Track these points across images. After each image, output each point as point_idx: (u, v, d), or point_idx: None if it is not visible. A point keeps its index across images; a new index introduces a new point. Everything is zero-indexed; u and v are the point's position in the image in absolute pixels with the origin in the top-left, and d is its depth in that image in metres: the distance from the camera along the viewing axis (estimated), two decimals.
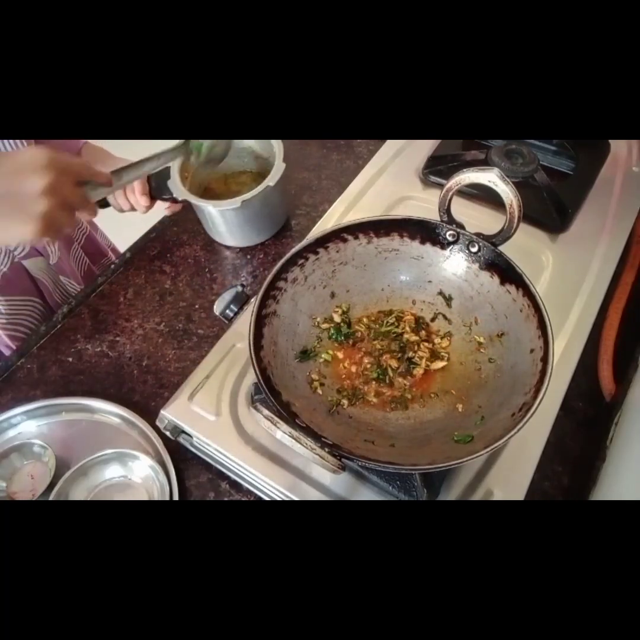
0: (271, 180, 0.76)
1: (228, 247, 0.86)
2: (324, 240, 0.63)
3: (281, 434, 0.45)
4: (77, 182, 0.51)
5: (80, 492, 0.62)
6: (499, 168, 0.58)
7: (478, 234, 0.61)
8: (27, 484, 0.63)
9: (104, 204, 0.81)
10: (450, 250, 0.63)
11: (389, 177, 0.87)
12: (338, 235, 0.63)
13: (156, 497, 0.61)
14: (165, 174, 0.78)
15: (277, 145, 0.79)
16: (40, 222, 0.47)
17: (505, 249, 0.59)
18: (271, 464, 0.60)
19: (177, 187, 0.78)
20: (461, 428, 0.54)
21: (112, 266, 0.85)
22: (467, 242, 0.62)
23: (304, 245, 0.62)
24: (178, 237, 0.88)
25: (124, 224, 1.01)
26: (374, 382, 0.60)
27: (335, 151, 0.99)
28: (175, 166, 0.79)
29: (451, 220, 0.62)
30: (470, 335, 0.62)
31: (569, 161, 0.87)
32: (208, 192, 0.87)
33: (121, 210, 0.81)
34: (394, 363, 0.60)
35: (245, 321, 0.59)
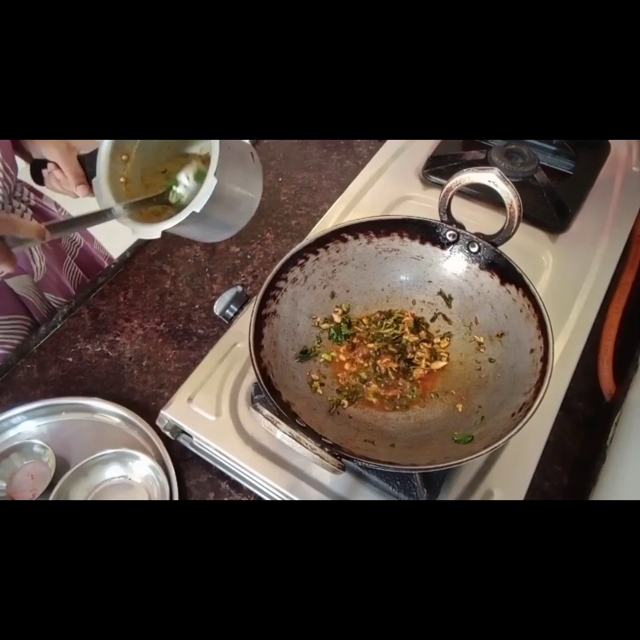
0: (197, 204, 0.57)
1: (228, 247, 0.86)
2: (324, 240, 0.63)
3: (281, 434, 0.45)
4: None
5: (80, 492, 0.62)
6: (499, 168, 0.58)
7: (478, 234, 0.61)
8: (27, 484, 0.63)
9: (39, 181, 0.72)
10: (450, 250, 0.63)
11: (389, 177, 0.87)
12: (338, 235, 0.63)
13: (156, 497, 0.61)
14: None
15: (214, 150, 0.57)
16: None
17: (505, 249, 0.59)
18: (271, 464, 0.59)
19: (101, 189, 0.61)
20: (461, 428, 0.54)
21: (112, 266, 0.85)
22: (467, 242, 0.62)
23: (304, 245, 0.62)
24: (178, 237, 0.88)
25: (123, 234, 0.99)
26: (374, 383, 0.60)
27: (335, 151, 0.99)
28: (105, 149, 0.62)
29: (451, 220, 0.62)
30: (470, 335, 0.62)
31: (569, 161, 0.87)
32: (151, 188, 0.67)
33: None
34: (393, 365, 0.60)
35: (245, 321, 0.59)
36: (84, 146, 0.68)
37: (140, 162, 0.66)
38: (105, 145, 0.63)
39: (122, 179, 0.64)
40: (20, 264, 0.78)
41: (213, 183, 0.57)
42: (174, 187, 0.65)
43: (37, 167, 0.71)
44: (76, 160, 0.67)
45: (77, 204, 0.72)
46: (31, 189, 0.83)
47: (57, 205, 0.92)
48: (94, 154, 0.64)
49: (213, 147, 0.57)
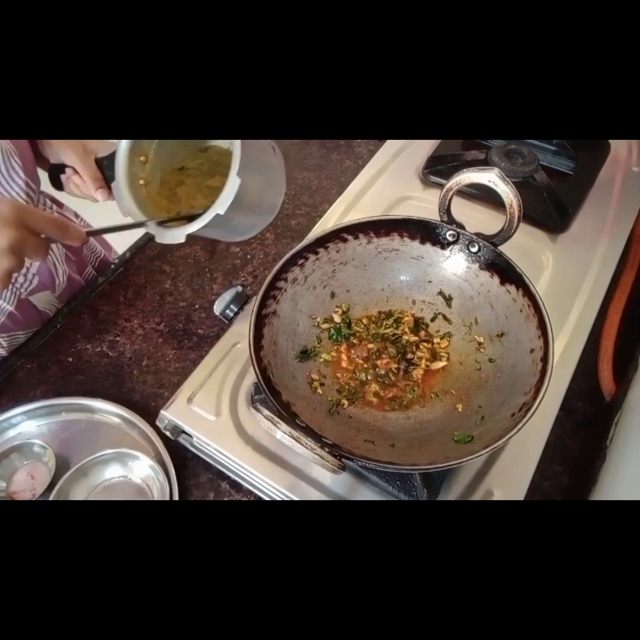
0: (220, 206, 0.56)
1: (228, 247, 0.86)
2: (324, 240, 0.63)
3: (281, 434, 0.45)
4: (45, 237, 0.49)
5: (80, 492, 0.62)
6: (499, 168, 0.58)
7: (478, 234, 0.61)
8: (27, 484, 0.63)
9: (58, 186, 0.71)
10: (450, 250, 0.63)
11: (389, 177, 0.87)
12: (338, 235, 0.63)
13: (156, 497, 0.61)
14: None
15: (236, 150, 0.55)
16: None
17: (505, 249, 0.59)
18: (271, 464, 0.60)
19: (121, 193, 0.61)
20: (461, 428, 0.54)
21: (113, 266, 0.85)
22: (467, 242, 0.62)
23: (304, 245, 0.62)
24: None
25: (124, 234, 0.97)
26: (374, 383, 0.60)
27: (335, 151, 0.99)
28: (123, 152, 0.62)
29: (451, 220, 0.62)
30: (470, 335, 0.62)
31: (569, 161, 0.87)
32: (165, 185, 0.66)
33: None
34: (393, 365, 0.60)
35: (245, 321, 0.59)
36: (100, 148, 0.67)
37: (158, 162, 0.65)
38: (122, 149, 0.62)
39: (141, 181, 0.63)
40: (44, 280, 0.78)
41: (236, 183, 0.55)
42: None
43: (55, 172, 0.70)
44: (94, 164, 0.66)
45: (96, 212, 0.70)
46: (53, 200, 0.83)
47: (77, 215, 0.92)
48: (111, 157, 0.64)
49: (234, 146, 0.55)
